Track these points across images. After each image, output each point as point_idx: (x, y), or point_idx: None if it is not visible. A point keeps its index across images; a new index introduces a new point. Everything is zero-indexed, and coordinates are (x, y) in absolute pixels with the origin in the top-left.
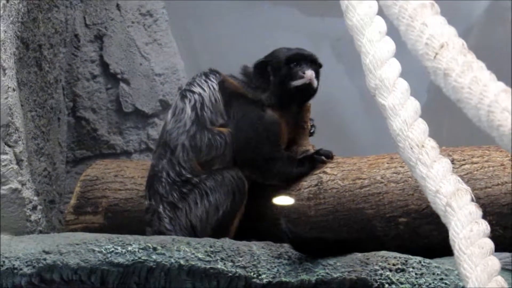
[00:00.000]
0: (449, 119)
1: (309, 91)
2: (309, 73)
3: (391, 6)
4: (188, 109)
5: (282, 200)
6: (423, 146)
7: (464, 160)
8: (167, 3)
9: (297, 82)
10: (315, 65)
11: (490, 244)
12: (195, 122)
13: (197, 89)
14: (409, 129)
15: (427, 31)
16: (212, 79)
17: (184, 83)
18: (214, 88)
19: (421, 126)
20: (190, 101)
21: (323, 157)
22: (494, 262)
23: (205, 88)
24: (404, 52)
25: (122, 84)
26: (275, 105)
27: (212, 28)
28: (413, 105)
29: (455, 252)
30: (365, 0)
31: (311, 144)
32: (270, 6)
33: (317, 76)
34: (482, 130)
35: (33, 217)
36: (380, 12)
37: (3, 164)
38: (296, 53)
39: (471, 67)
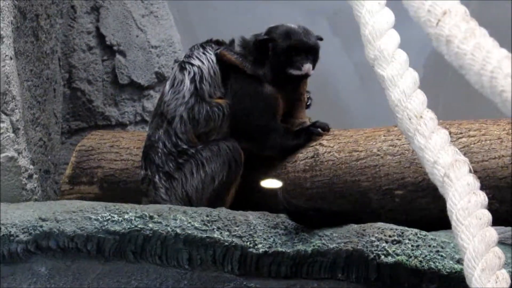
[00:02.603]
0: (445, 95)
1: (302, 79)
2: (307, 67)
3: None
4: (187, 81)
5: (270, 183)
6: (421, 116)
7: (461, 133)
8: None
9: (293, 71)
10: (315, 55)
11: (487, 215)
12: (194, 94)
13: (196, 62)
14: (408, 100)
15: None
16: (209, 51)
17: (180, 56)
18: (212, 61)
19: (420, 97)
20: (189, 73)
21: (319, 129)
22: (492, 233)
23: (204, 61)
24: (402, 28)
25: (118, 56)
26: (272, 80)
27: (208, 1)
28: (412, 76)
29: (453, 222)
30: None
31: (308, 117)
32: None
33: (314, 64)
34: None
35: (28, 186)
36: None
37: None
38: (299, 41)
39: (473, 33)
